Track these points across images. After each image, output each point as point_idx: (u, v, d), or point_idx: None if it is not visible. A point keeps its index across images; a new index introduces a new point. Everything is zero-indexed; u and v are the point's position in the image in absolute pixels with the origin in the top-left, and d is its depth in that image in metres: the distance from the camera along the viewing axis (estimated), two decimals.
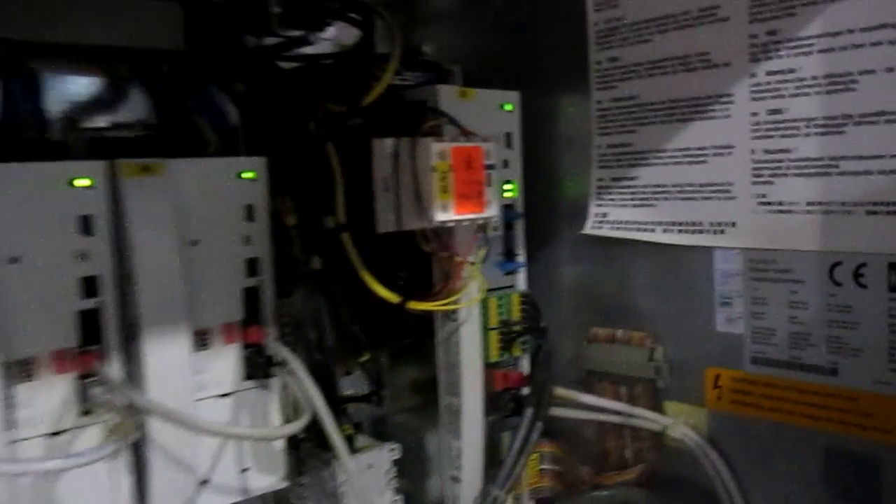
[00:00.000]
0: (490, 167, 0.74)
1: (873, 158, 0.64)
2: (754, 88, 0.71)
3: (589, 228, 0.85)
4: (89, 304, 0.67)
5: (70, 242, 0.65)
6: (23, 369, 0.64)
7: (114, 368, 0.67)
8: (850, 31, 0.65)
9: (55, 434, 0.66)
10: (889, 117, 0.63)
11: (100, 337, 0.67)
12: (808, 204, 0.69)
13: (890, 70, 0.63)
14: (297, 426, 0.70)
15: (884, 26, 0.63)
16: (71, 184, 0.66)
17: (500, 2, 0.94)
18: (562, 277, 0.90)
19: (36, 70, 0.70)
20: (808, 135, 0.68)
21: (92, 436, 0.67)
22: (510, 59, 0.92)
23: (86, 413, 0.67)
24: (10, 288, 0.62)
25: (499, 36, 0.94)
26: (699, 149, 0.75)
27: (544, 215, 0.89)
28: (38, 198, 0.64)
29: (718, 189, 0.74)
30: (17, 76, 0.68)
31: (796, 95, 0.68)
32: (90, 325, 0.67)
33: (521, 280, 0.89)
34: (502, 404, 0.86)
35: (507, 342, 0.85)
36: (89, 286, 0.66)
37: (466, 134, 0.75)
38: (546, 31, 0.89)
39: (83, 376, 0.66)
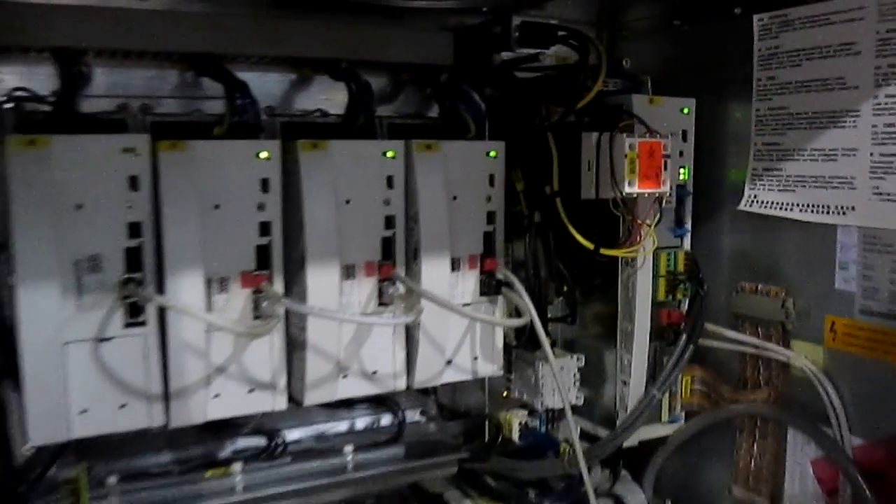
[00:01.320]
0: (666, 156, 1.02)
1: None
2: (876, 106, 0.94)
3: (743, 205, 1.11)
4: (389, 233, 1.02)
5: (381, 194, 1.01)
6: (348, 271, 1.00)
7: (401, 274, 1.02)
8: None
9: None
10: None
11: (394, 254, 1.02)
12: None
13: None
14: (521, 321, 1.02)
15: None
16: (385, 155, 1.01)
17: (686, 26, 1.20)
18: (719, 242, 1.16)
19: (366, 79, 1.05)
20: None
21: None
22: (690, 71, 1.19)
23: (381, 304, 1.03)
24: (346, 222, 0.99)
25: (682, 53, 1.21)
26: (831, 150, 1.00)
27: (709, 193, 1.16)
28: (362, 164, 1.00)
29: (844, 181, 0.98)
30: (357, 84, 1.04)
31: None
32: (389, 248, 1.02)
33: (686, 242, 1.16)
34: (664, 335, 1.14)
35: (672, 287, 1.13)
36: (388, 223, 1.02)
37: (651, 132, 1.03)
38: (719, 51, 1.15)
39: (382, 280, 1.02)
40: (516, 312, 1.09)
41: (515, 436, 1.20)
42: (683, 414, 1.18)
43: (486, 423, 1.24)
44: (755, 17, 1.09)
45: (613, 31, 1.33)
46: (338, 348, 0.99)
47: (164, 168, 0.89)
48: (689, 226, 1.16)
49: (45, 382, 0.84)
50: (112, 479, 0.99)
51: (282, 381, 0.98)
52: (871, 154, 0.96)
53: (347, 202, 0.99)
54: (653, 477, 1.21)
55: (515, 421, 1.20)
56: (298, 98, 1.13)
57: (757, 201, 1.09)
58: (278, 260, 0.96)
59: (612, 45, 1.33)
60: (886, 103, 0.94)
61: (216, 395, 0.94)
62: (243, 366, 0.96)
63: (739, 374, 1.13)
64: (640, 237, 1.07)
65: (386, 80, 1.17)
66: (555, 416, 1.21)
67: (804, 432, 1.05)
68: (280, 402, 0.99)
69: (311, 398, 0.99)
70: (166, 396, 0.91)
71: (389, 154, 1.02)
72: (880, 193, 0.95)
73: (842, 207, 0.99)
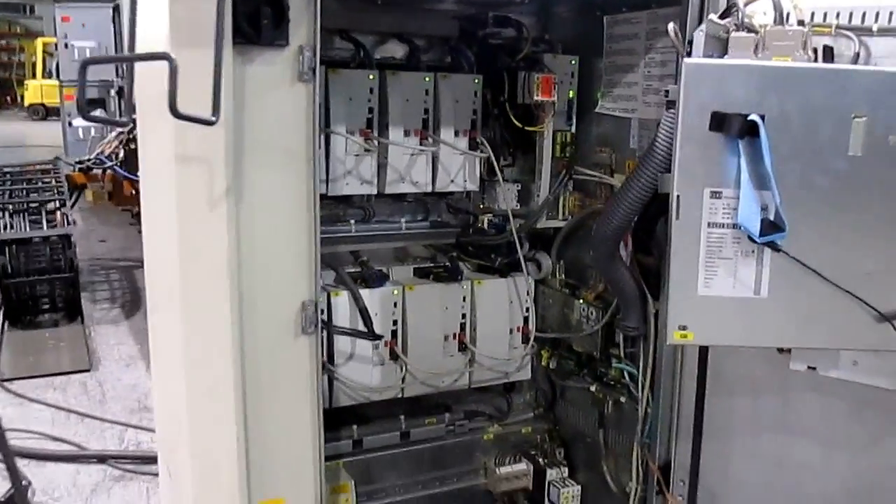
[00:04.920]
0: (556, 83, 2.18)
1: None
2: (644, 63, 2.10)
3: (598, 109, 2.27)
4: (426, 116, 2.22)
5: (422, 97, 2.20)
6: (407, 132, 2.20)
7: (431, 134, 2.22)
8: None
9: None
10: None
11: (428, 126, 2.22)
12: None
13: None
14: (484, 154, 2.22)
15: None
16: (424, 80, 2.20)
17: (580, 17, 2.35)
18: (590, 127, 2.33)
19: (415, 42, 2.24)
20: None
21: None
22: (582, 39, 2.34)
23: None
24: (406, 109, 2.19)
25: (579, 30, 2.36)
26: (628, 83, 2.15)
27: (586, 103, 2.32)
28: (414, 84, 2.19)
29: (632, 97, 2.14)
30: (411, 45, 2.22)
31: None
32: (426, 123, 2.22)
33: (573, 127, 2.33)
34: (557, 173, 2.32)
35: (563, 149, 2.31)
36: (425, 111, 2.21)
37: (550, 72, 2.20)
38: (594, 31, 2.29)
39: (422, 138, 2.21)
40: (488, 172, 2.30)
41: (486, 225, 2.39)
42: (570, 216, 2.36)
43: (471, 218, 2.44)
44: (605, 17, 2.24)
45: (548, 17, 2.48)
46: (401, 167, 2.20)
47: (329, 80, 2.08)
48: (574, 119, 2.34)
49: None
50: None
51: (375, 181, 2.19)
52: (642, 84, 2.11)
53: (407, 100, 2.18)
54: (556, 249, 2.41)
55: (486, 217, 2.39)
56: (383, 49, 2.31)
57: (603, 108, 2.26)
58: (376, 124, 2.16)
59: (548, 23, 2.48)
60: (648, 62, 2.09)
61: (347, 183, 2.15)
62: (359, 171, 2.16)
63: (593, 192, 2.32)
64: (545, 121, 2.24)
65: (425, 42, 2.35)
66: (507, 217, 2.39)
67: None
68: (374, 190, 2.20)
69: (389, 189, 2.20)
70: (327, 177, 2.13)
71: (426, 79, 2.21)
72: (646, 102, 2.11)
73: (632, 109, 2.16)
